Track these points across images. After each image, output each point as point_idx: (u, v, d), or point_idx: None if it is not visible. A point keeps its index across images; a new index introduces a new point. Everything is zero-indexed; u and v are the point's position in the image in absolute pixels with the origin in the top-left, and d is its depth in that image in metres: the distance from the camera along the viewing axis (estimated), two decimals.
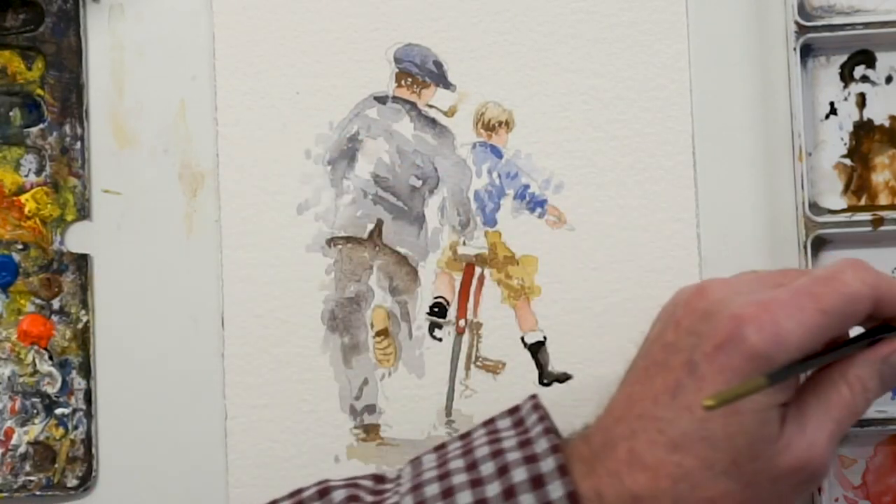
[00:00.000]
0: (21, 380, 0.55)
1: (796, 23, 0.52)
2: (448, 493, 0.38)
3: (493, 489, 0.38)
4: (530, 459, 0.39)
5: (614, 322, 0.53)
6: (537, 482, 0.38)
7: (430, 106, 0.54)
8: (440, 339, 0.54)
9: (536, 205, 0.54)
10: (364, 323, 0.54)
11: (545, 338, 0.53)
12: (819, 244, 0.53)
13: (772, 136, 0.53)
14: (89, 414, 0.55)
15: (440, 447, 0.42)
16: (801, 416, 0.38)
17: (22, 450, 0.55)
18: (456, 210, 0.54)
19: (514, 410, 0.43)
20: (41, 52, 0.55)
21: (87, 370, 0.55)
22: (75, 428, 0.55)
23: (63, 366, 0.55)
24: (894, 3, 0.53)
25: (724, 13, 0.54)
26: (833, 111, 0.54)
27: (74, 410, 0.55)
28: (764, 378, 0.36)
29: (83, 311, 0.55)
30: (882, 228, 0.52)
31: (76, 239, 0.55)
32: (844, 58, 0.53)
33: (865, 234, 0.52)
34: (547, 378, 0.54)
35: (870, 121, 0.53)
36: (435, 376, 0.54)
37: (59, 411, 0.55)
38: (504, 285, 0.54)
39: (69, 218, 0.55)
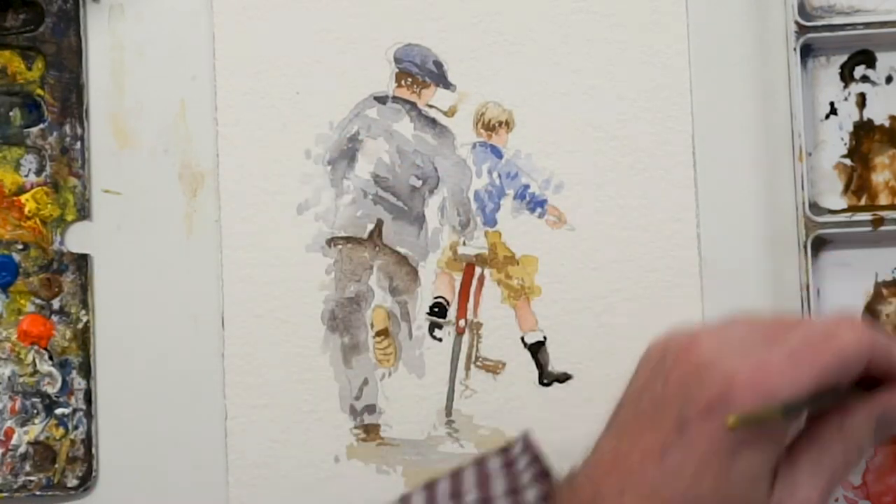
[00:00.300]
0: (21, 380, 0.55)
1: (796, 23, 0.52)
2: None
3: None
4: (513, 491, 0.38)
5: (614, 322, 0.53)
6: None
7: (430, 106, 0.54)
8: (440, 339, 0.54)
9: (536, 205, 0.54)
10: (364, 323, 0.54)
11: (545, 338, 0.53)
12: (819, 244, 0.53)
13: (772, 136, 0.53)
14: (89, 414, 0.55)
15: (429, 486, 0.41)
16: (793, 476, 0.38)
17: (22, 450, 0.55)
18: (456, 210, 0.54)
19: (505, 449, 0.42)
20: (41, 52, 0.55)
21: (87, 370, 0.55)
22: (75, 428, 0.55)
23: (63, 366, 0.55)
24: (894, 3, 0.53)
25: (724, 13, 0.54)
26: (833, 111, 0.54)
27: (74, 410, 0.55)
28: (780, 409, 0.35)
29: (83, 311, 0.55)
30: (882, 228, 0.52)
31: (76, 239, 0.55)
32: (844, 58, 0.53)
33: (865, 234, 0.52)
34: (547, 378, 0.54)
35: (870, 121, 0.53)
36: (435, 376, 0.54)
37: (59, 411, 0.55)
38: (504, 285, 0.54)
39: (69, 218, 0.55)
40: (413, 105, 0.54)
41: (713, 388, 0.37)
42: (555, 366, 0.54)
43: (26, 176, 0.55)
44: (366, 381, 0.54)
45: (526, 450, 0.41)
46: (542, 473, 0.39)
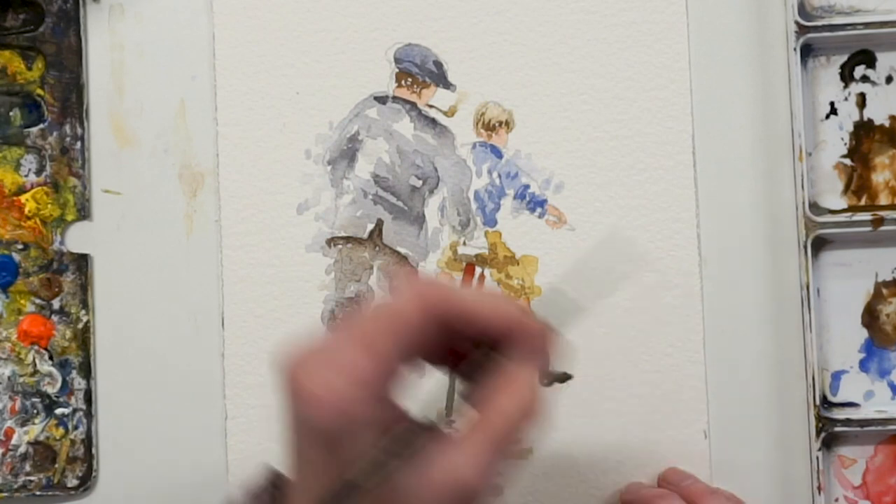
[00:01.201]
0: (21, 380, 0.55)
1: (796, 23, 0.52)
2: None
3: None
4: None
5: (614, 322, 0.53)
6: None
7: (430, 106, 0.54)
8: None
9: (536, 205, 0.54)
10: None
11: None
12: (819, 244, 0.53)
13: (772, 136, 0.53)
14: (89, 414, 0.55)
15: None
16: (453, 452, 0.37)
17: (22, 450, 0.55)
18: (456, 210, 0.54)
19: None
20: (41, 52, 0.55)
21: (87, 370, 0.55)
22: (75, 428, 0.55)
23: (63, 366, 0.55)
24: (894, 3, 0.53)
25: (724, 13, 0.54)
26: (833, 111, 0.54)
27: (74, 410, 0.55)
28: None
29: (83, 311, 0.55)
30: (882, 228, 0.52)
31: (76, 239, 0.55)
32: (844, 58, 0.53)
33: (865, 234, 0.52)
34: (547, 378, 0.54)
35: (870, 121, 0.53)
36: (435, 376, 0.54)
37: (59, 411, 0.55)
38: (504, 285, 0.54)
39: (69, 218, 0.55)
40: (413, 105, 0.54)
41: (292, 404, 0.36)
42: (555, 366, 0.53)
43: (26, 176, 0.55)
44: None
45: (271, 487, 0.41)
46: None
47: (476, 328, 0.38)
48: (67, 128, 0.55)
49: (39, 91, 0.55)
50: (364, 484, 0.36)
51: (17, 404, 0.55)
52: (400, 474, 0.36)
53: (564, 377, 0.54)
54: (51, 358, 0.55)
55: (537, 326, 0.40)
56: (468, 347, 0.39)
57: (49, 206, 0.55)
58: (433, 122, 0.54)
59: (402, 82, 0.54)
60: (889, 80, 0.53)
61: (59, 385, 0.55)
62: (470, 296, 0.39)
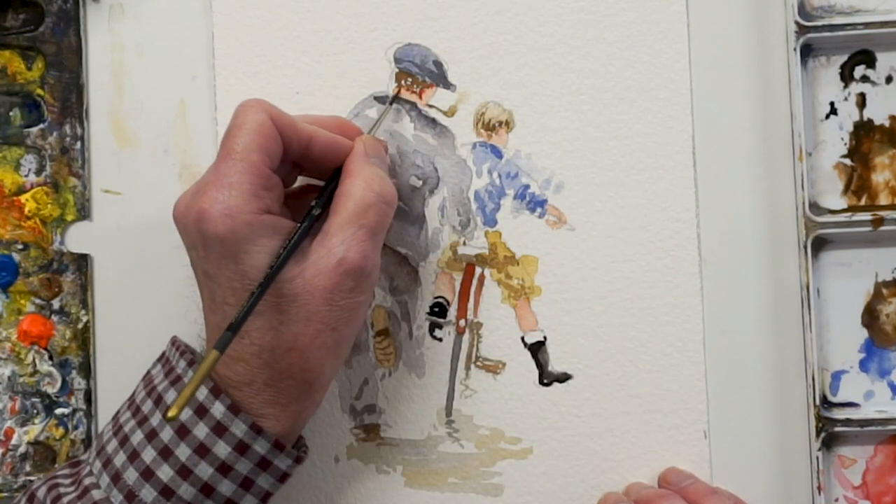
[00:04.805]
0: (21, 380, 0.55)
1: (796, 23, 0.52)
2: (124, 440, 0.46)
3: (156, 418, 0.46)
4: (175, 381, 0.46)
5: (614, 322, 0.53)
6: (176, 382, 0.46)
7: (431, 106, 0.54)
8: (440, 339, 0.54)
9: (536, 205, 0.54)
10: (364, 323, 0.54)
11: (545, 338, 0.53)
12: (819, 244, 0.53)
13: (772, 136, 0.53)
14: (89, 414, 0.55)
15: (115, 414, 0.49)
16: (325, 240, 0.45)
17: (22, 450, 0.55)
18: (456, 210, 0.54)
19: (161, 356, 0.50)
20: (41, 52, 0.55)
21: (87, 370, 0.55)
22: (75, 428, 0.55)
23: (63, 366, 0.55)
24: (894, 3, 0.53)
25: (724, 13, 0.54)
26: (833, 111, 0.54)
27: (74, 410, 0.55)
28: (215, 351, 0.41)
29: (83, 311, 0.55)
30: (882, 228, 0.52)
31: (76, 239, 0.55)
32: (844, 58, 0.53)
33: (865, 234, 0.52)
34: (547, 378, 0.54)
35: (870, 121, 0.53)
36: (435, 376, 0.54)
37: (59, 411, 0.55)
38: (504, 285, 0.54)
39: (69, 218, 0.55)
40: (413, 105, 0.54)
41: (194, 228, 0.45)
42: (555, 366, 0.54)
43: (26, 176, 0.55)
44: (366, 381, 0.54)
45: (175, 347, 0.48)
46: (192, 358, 0.47)
47: (305, 133, 0.47)
48: (67, 128, 0.55)
49: (39, 91, 0.55)
50: (267, 283, 0.43)
51: (17, 404, 0.55)
52: (291, 269, 0.44)
53: (564, 377, 0.54)
54: (51, 358, 0.55)
55: (350, 123, 0.50)
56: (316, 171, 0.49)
57: (49, 206, 0.55)
58: (433, 122, 0.54)
59: (402, 82, 0.54)
60: (889, 80, 0.53)
61: (59, 385, 0.55)
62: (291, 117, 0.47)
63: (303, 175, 0.50)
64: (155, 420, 0.46)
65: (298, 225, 0.45)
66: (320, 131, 0.47)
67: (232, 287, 0.44)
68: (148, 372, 0.49)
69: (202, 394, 0.45)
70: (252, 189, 0.44)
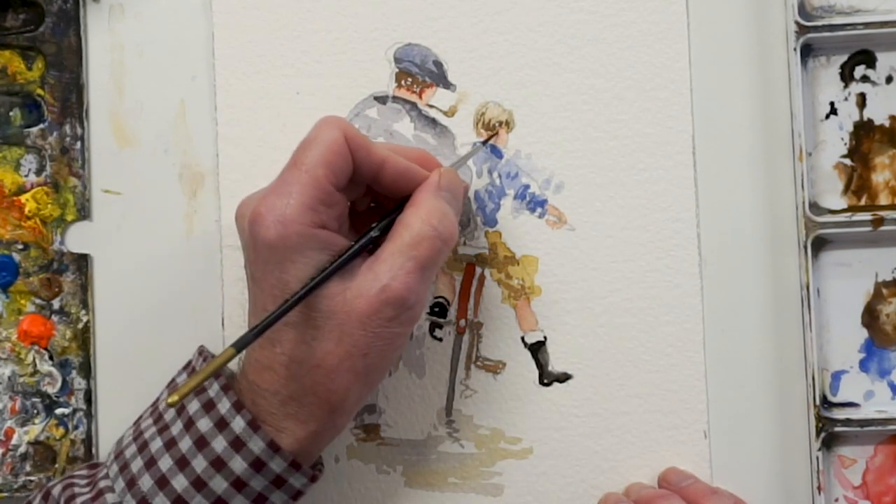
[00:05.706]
0: (21, 380, 0.55)
1: (796, 23, 0.52)
2: (143, 446, 0.47)
3: (176, 427, 0.46)
4: (200, 390, 0.47)
5: (614, 322, 0.53)
6: (209, 406, 0.46)
7: (431, 106, 0.54)
8: (440, 339, 0.54)
9: (536, 205, 0.54)
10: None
11: (545, 338, 0.53)
12: (819, 244, 0.53)
13: (772, 136, 0.53)
14: (89, 414, 0.55)
15: (137, 420, 0.49)
16: (374, 264, 0.44)
17: (22, 450, 0.55)
18: None
19: (187, 364, 0.51)
20: (41, 52, 0.55)
21: (87, 370, 0.55)
22: (75, 428, 0.55)
23: (63, 366, 0.55)
24: (894, 3, 0.53)
25: (724, 13, 0.54)
26: (833, 111, 0.54)
27: (74, 410, 0.55)
28: (231, 348, 0.42)
29: (83, 311, 0.55)
30: (882, 228, 0.52)
31: (76, 239, 0.55)
32: (844, 58, 0.53)
33: (865, 234, 0.52)
34: (547, 378, 0.54)
35: (870, 121, 0.54)
36: (435, 376, 0.54)
37: (59, 411, 0.55)
38: (504, 285, 0.54)
39: (69, 218, 0.55)
40: (413, 105, 0.54)
41: (249, 229, 0.45)
42: (555, 366, 0.54)
43: (26, 176, 0.55)
44: None
45: (202, 357, 0.49)
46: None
47: (379, 156, 0.46)
48: (67, 128, 0.55)
49: (39, 91, 0.55)
50: (303, 295, 0.43)
51: (17, 404, 0.55)
52: (334, 287, 0.44)
53: (564, 377, 0.54)
54: (51, 358, 0.55)
55: (434, 159, 0.49)
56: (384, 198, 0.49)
57: (49, 206, 0.55)
58: (433, 122, 0.54)
59: (402, 82, 0.54)
60: (889, 80, 0.53)
61: (59, 385, 0.55)
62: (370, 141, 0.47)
63: (376, 201, 0.50)
64: (175, 429, 0.46)
65: (352, 244, 0.45)
66: (395, 157, 0.47)
67: (273, 294, 0.44)
68: (173, 380, 0.50)
69: (224, 406, 0.45)
70: (310, 202, 0.44)
